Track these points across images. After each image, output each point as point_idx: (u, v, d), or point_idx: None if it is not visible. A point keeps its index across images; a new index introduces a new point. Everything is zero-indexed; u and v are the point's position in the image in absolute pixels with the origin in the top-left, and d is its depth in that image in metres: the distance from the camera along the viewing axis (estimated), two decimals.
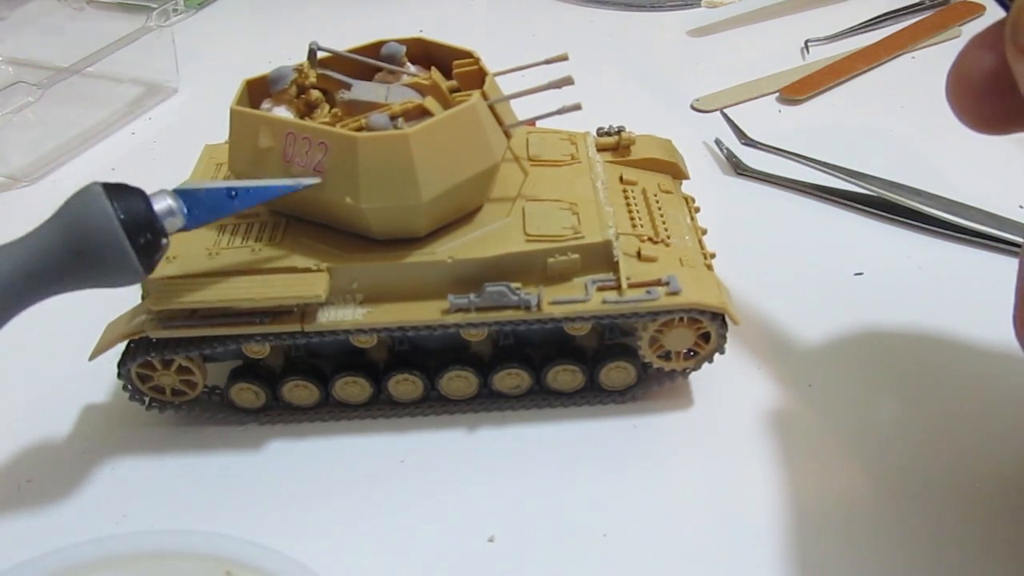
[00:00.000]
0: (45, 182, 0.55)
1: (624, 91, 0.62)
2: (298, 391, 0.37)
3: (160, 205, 0.29)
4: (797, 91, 0.60)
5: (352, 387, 0.37)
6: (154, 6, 0.61)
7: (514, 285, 0.33)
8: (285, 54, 0.41)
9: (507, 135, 0.35)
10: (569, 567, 0.32)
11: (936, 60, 0.64)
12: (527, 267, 0.33)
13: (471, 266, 0.33)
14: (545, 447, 0.36)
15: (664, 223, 0.36)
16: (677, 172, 0.41)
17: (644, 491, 0.34)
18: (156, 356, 0.34)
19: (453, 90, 0.36)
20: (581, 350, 0.37)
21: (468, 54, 0.36)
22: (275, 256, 0.33)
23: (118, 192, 0.28)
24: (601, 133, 0.40)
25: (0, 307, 0.27)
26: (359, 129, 0.32)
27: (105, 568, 0.27)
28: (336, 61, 0.36)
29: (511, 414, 0.37)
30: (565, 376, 0.37)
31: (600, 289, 0.33)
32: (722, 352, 0.36)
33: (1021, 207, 0.48)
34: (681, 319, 0.34)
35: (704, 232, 0.38)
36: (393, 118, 0.33)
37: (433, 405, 0.38)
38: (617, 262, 0.33)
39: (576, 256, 0.33)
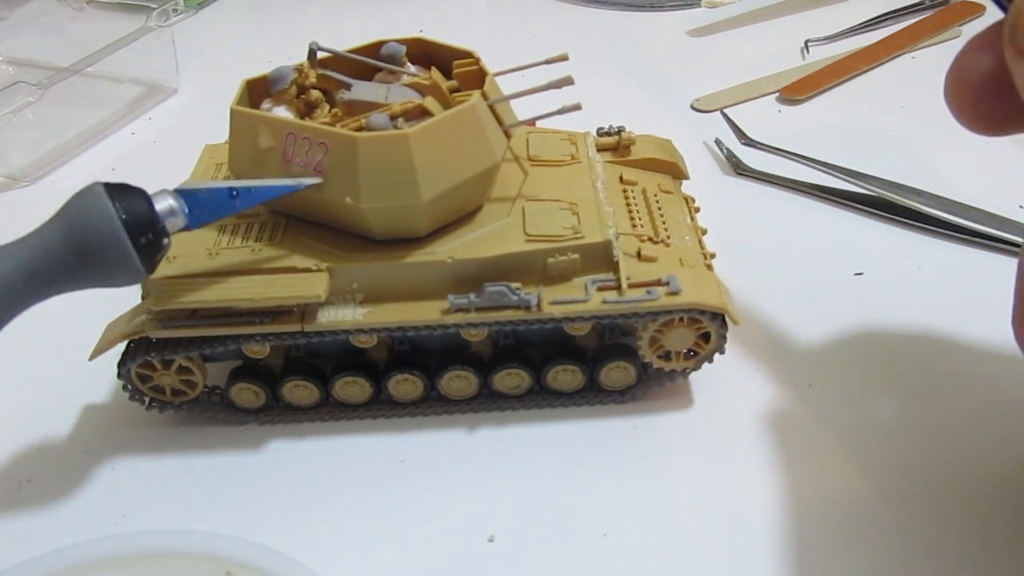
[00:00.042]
0: (45, 182, 0.55)
1: (624, 91, 0.62)
2: (298, 391, 0.37)
3: (161, 205, 0.29)
4: (797, 91, 0.60)
5: (352, 387, 0.37)
6: (154, 6, 0.61)
7: (514, 285, 0.33)
8: (285, 54, 0.41)
9: (507, 135, 0.35)
10: (569, 567, 0.32)
11: (936, 60, 0.64)
12: (527, 267, 0.33)
13: (471, 266, 0.33)
14: (545, 447, 0.36)
15: (664, 223, 0.36)
16: (677, 172, 0.41)
17: (644, 491, 0.34)
18: (156, 356, 0.34)
19: (453, 90, 0.36)
20: (581, 350, 0.37)
21: (468, 54, 0.36)
22: (275, 256, 0.33)
23: (120, 192, 0.28)
24: (601, 133, 0.40)
25: (1, 307, 0.27)
26: (359, 129, 0.32)
27: (105, 568, 0.27)
28: (336, 61, 0.36)
29: (511, 414, 0.37)
30: (565, 376, 0.37)
31: (600, 289, 0.33)
32: (722, 352, 0.36)
33: (1021, 207, 0.48)
34: (681, 319, 0.34)
35: (704, 232, 0.38)
36: (393, 118, 0.33)
37: (433, 405, 0.38)
38: (617, 262, 0.34)
39: (576, 256, 0.33)
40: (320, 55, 0.36)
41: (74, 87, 0.56)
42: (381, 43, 0.36)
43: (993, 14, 0.70)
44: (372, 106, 0.34)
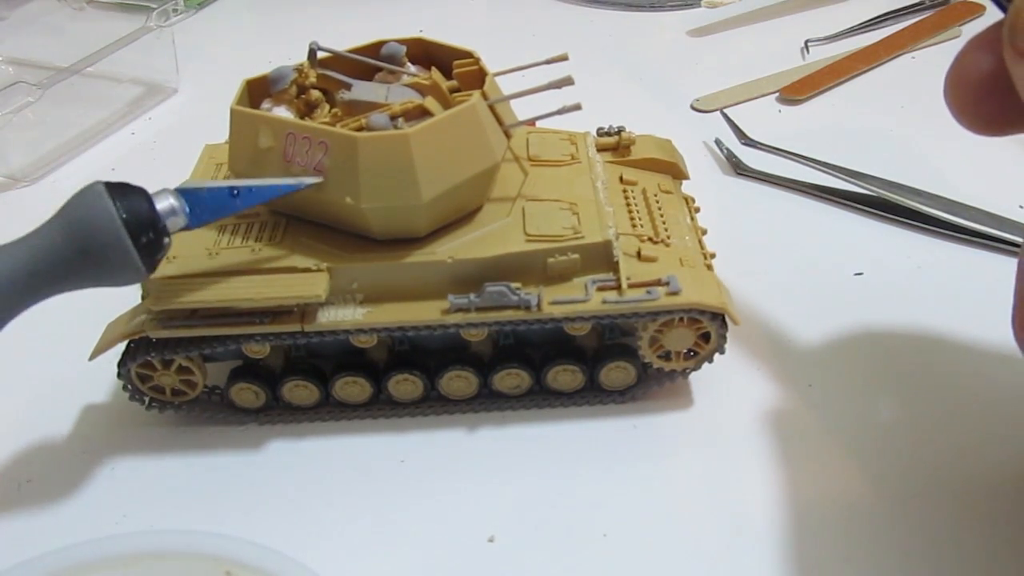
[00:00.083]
0: (45, 182, 0.55)
1: (624, 91, 0.62)
2: (298, 391, 0.37)
3: (162, 204, 0.29)
4: (797, 91, 0.60)
5: (352, 387, 0.37)
6: (154, 6, 0.61)
7: (514, 285, 0.33)
8: (285, 54, 0.41)
9: (507, 135, 0.35)
10: (569, 567, 0.32)
11: (936, 60, 0.64)
12: (527, 267, 0.33)
13: (471, 266, 0.33)
14: (545, 447, 0.36)
15: (664, 223, 0.36)
16: (677, 172, 0.41)
17: (644, 491, 0.34)
18: (156, 356, 0.34)
19: (453, 90, 0.36)
20: (581, 350, 0.37)
21: (468, 54, 0.36)
22: (275, 256, 0.33)
23: (120, 191, 0.28)
24: (601, 133, 0.40)
25: (2, 306, 0.27)
26: (359, 129, 0.32)
27: (105, 568, 0.27)
28: (336, 61, 0.36)
29: (511, 414, 0.37)
30: (565, 376, 0.37)
31: (600, 289, 0.33)
32: (722, 352, 0.36)
33: (1021, 207, 0.48)
34: (681, 319, 0.34)
35: (704, 232, 0.38)
36: (393, 118, 0.33)
37: (433, 405, 0.38)
38: (617, 262, 0.34)
39: (576, 256, 0.33)
40: (320, 55, 0.36)
41: (74, 87, 0.56)
42: (381, 43, 0.36)
43: (993, 14, 0.70)
44: (372, 106, 0.34)
